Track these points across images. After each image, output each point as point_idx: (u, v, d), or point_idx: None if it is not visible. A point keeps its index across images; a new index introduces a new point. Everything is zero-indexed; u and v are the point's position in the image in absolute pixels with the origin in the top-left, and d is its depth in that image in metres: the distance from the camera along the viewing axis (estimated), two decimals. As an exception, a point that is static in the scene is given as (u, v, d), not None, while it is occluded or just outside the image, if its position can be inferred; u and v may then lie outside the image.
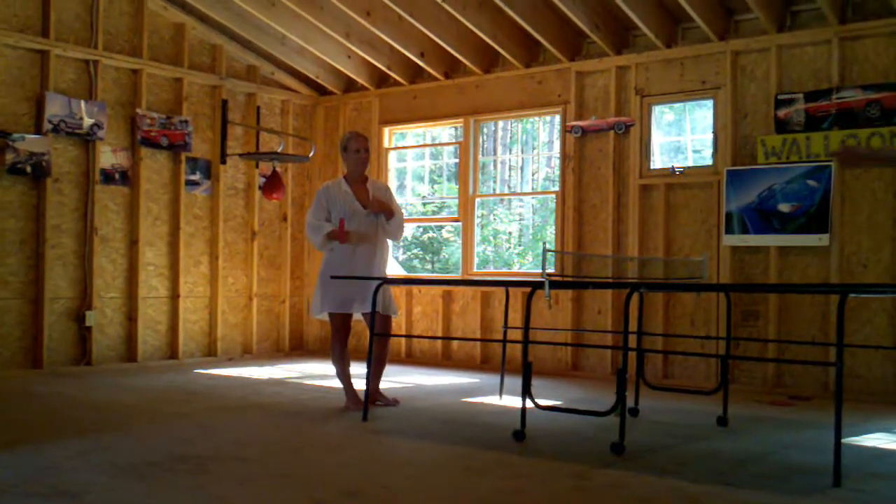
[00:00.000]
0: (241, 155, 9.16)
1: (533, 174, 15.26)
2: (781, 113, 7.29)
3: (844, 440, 4.14)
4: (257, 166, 9.51)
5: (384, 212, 6.17)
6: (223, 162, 9.20)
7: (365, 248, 6.18)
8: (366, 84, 9.82)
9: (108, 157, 8.36)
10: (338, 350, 6.22)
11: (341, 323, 6.21)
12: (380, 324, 6.03)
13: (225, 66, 9.31)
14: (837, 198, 7.01)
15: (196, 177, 9.06)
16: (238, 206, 9.49)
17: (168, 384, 7.31)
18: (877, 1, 6.97)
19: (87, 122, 8.12)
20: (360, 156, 6.28)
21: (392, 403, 6.25)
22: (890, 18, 6.86)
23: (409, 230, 9.99)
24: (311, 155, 9.31)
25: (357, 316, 6.30)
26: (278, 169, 9.23)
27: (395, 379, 7.64)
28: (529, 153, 15.02)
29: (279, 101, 9.93)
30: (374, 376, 6.07)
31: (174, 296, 8.87)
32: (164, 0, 8.78)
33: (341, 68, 9.60)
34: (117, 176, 8.42)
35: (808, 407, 6.50)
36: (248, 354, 9.48)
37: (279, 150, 9.26)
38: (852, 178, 6.99)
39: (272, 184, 9.07)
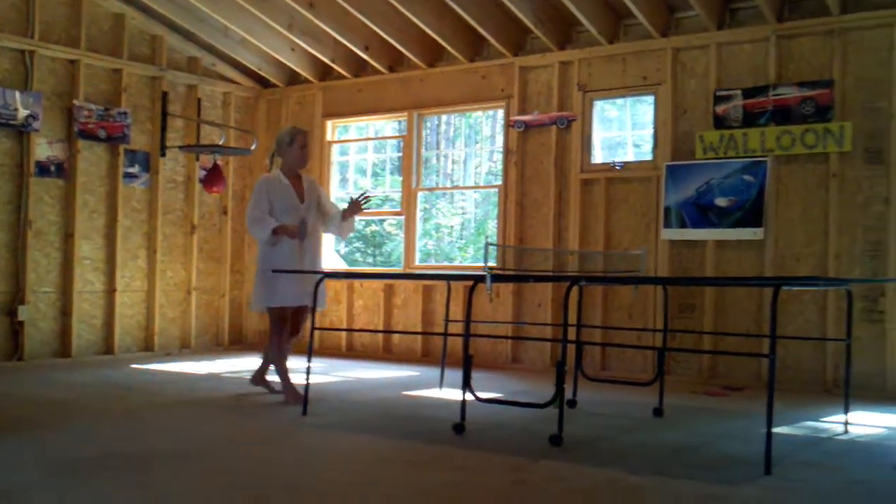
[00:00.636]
0: (181, 147, 9.03)
1: (476, 168, 15.31)
2: (720, 109, 7.41)
3: (776, 429, 4.23)
4: (198, 159, 9.38)
5: (353, 216, 6.37)
6: (163, 154, 9.07)
7: (310, 242, 6.22)
8: (309, 77, 9.75)
9: (44, 148, 8.18)
10: (280, 344, 6.20)
11: (287, 316, 6.20)
12: (306, 316, 6.14)
13: (165, 58, 9.17)
14: (772, 193, 7.16)
15: (135, 169, 8.92)
16: (177, 200, 9.36)
17: (104, 380, 7.18)
18: (812, 0, 7.12)
19: (22, 113, 7.94)
20: (304, 151, 6.33)
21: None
22: (825, 17, 7.02)
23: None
24: (252, 148, 9.21)
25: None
26: (219, 162, 9.13)
27: (335, 373, 7.62)
28: (472, 147, 15.06)
29: (221, 93, 9.81)
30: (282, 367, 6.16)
31: (110, 290, 8.72)
32: (101, -12, 8.62)
33: (284, 61, 9.52)
34: (53, 168, 8.25)
35: (741, 397, 6.64)
36: (186, 349, 9.37)
37: (220, 142, 9.14)
38: (787, 174, 7.14)
39: (213, 177, 8.95)
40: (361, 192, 6.46)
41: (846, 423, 5.25)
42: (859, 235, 6.84)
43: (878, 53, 6.85)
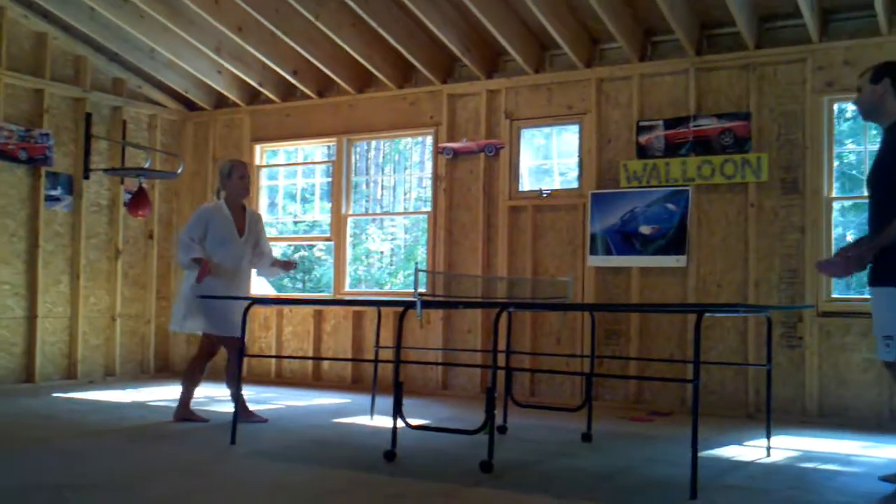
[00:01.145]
0: (105, 170, 8.86)
1: (405, 194, 15.35)
2: (643, 139, 7.60)
3: (701, 454, 4.34)
4: (122, 182, 9.23)
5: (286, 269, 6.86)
6: (86, 177, 8.90)
7: (242, 273, 6.48)
8: (237, 100, 9.69)
9: (-39, 170, 7.97)
10: (202, 368, 6.43)
11: (217, 344, 6.37)
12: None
13: (89, 79, 9.02)
14: (694, 221, 7.36)
15: (57, 192, 8.73)
16: (101, 223, 9.19)
17: (24, 409, 6.99)
18: (729, 35, 7.38)
19: (-62, 133, 7.72)
20: (244, 182, 6.52)
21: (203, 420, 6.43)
22: (741, 52, 7.28)
23: (279, 250, 9.87)
24: (179, 171, 9.10)
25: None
26: (144, 185, 8.97)
27: (264, 400, 7.54)
28: (402, 173, 15.12)
29: (146, 115, 9.69)
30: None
31: (31, 316, 8.49)
32: (24, 8, 8.43)
33: (211, 84, 9.45)
34: (-30, 190, 8.03)
35: (667, 422, 6.77)
36: (110, 377, 9.16)
37: (146, 165, 9.01)
38: (707, 203, 7.35)
39: (138, 200, 8.80)
40: (294, 261, 6.98)
41: (768, 447, 5.40)
42: (777, 263, 7.07)
43: (791, 87, 7.11)
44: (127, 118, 9.38)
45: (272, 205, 10.13)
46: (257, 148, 9.76)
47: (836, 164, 7.12)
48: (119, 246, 9.30)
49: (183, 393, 6.43)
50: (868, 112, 4.59)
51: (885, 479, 4.57)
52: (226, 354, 6.48)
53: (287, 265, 6.87)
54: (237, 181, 6.47)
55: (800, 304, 6.91)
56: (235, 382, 6.08)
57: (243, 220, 6.49)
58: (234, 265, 6.39)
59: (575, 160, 8.14)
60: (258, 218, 6.72)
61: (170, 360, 9.90)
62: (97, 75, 9.17)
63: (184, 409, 6.40)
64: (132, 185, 9.03)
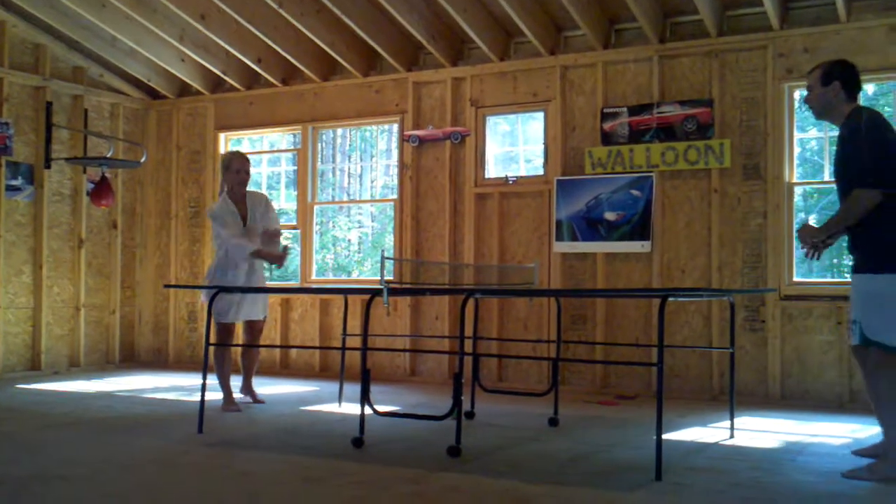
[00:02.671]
0: (67, 160, 8.77)
1: (372, 182, 15.33)
2: (607, 126, 7.65)
3: (665, 436, 4.40)
4: (85, 171, 9.13)
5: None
6: (47, 167, 8.79)
7: (254, 261, 6.66)
8: (200, 89, 9.61)
9: (-81, 160, 7.84)
10: (226, 354, 6.64)
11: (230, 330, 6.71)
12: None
13: (49, 67, 8.90)
14: (658, 207, 7.43)
15: (17, 182, 8.62)
16: (64, 213, 9.08)
17: (-13, 401, 6.91)
18: (692, 23, 7.44)
19: None
20: (240, 176, 6.67)
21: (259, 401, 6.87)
22: (704, 39, 7.34)
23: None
24: (142, 160, 9.02)
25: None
26: (107, 174, 8.89)
27: (232, 387, 7.51)
28: (368, 161, 15.09)
29: (108, 104, 9.58)
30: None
31: (-7, 307, 8.40)
32: (-19, -5, 8.31)
33: (175, 72, 9.36)
34: (-71, 181, 7.90)
35: (633, 405, 6.85)
36: (75, 367, 9.08)
37: (108, 154, 8.91)
38: (671, 189, 7.42)
39: (101, 190, 8.72)
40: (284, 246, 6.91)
41: (732, 429, 5.48)
42: (740, 248, 7.16)
43: (753, 74, 7.19)
44: (88, 107, 9.27)
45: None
46: (221, 136, 9.70)
47: (797, 149, 7.22)
48: (82, 236, 9.20)
49: (225, 385, 6.59)
50: (820, 114, 4.60)
51: (858, 453, 4.67)
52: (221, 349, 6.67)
53: (278, 258, 6.83)
54: (234, 174, 6.66)
55: (762, 288, 7.01)
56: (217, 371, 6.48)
57: (245, 207, 6.67)
58: (243, 254, 6.54)
59: (540, 147, 8.17)
60: (260, 198, 6.86)
61: (135, 350, 9.83)
62: (57, 64, 9.05)
63: (230, 401, 6.53)
64: (95, 175, 8.94)
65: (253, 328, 6.87)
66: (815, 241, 4.51)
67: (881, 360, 4.21)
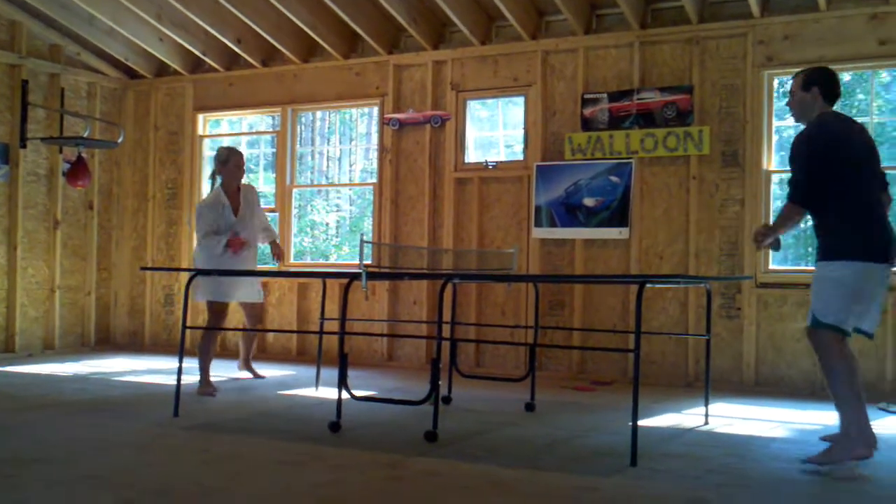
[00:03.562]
0: (42, 139, 8.66)
1: (351, 165, 15.27)
2: (587, 111, 7.65)
3: (641, 422, 4.42)
4: (61, 151, 9.03)
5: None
6: (23, 146, 8.69)
7: (248, 250, 6.85)
8: (179, 69, 9.52)
9: None
10: (214, 337, 6.84)
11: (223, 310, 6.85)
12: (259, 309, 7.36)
13: (25, 45, 8.78)
14: (637, 193, 7.44)
15: (-8, 161, 8.52)
16: (39, 193, 8.99)
17: (-40, 383, 6.85)
18: (673, 9, 7.44)
19: None
20: (240, 172, 6.87)
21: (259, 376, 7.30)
22: (685, 26, 7.35)
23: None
24: (119, 141, 8.93)
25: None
26: (84, 154, 8.81)
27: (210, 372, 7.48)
28: (348, 144, 15.02)
29: (85, 83, 9.47)
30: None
31: (-33, 288, 8.31)
32: (-45, -29, 8.18)
33: (153, 51, 9.26)
34: None
35: (609, 391, 6.89)
36: (49, 350, 9.01)
37: (85, 134, 8.81)
38: (650, 175, 7.44)
39: (77, 170, 8.63)
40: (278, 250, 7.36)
41: (706, 415, 5.53)
42: (717, 235, 7.20)
43: (732, 62, 7.21)
44: (65, 86, 9.16)
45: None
46: (200, 117, 9.61)
47: (775, 137, 7.25)
48: (58, 216, 9.11)
49: (205, 368, 6.64)
50: (799, 117, 4.73)
51: (826, 438, 4.71)
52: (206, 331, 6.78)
53: (279, 255, 7.37)
54: (233, 169, 6.81)
55: (739, 275, 7.05)
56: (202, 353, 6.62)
57: (238, 199, 6.83)
58: (217, 249, 6.65)
59: (520, 132, 8.16)
60: (251, 191, 7.04)
61: (111, 332, 9.77)
62: (34, 41, 8.93)
63: (209, 384, 6.58)
64: (71, 155, 8.85)
65: (251, 312, 7.13)
66: (769, 241, 4.67)
67: (829, 341, 4.31)
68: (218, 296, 6.67)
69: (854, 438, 4.20)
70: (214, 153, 7.08)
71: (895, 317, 6.58)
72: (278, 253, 7.32)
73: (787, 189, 4.58)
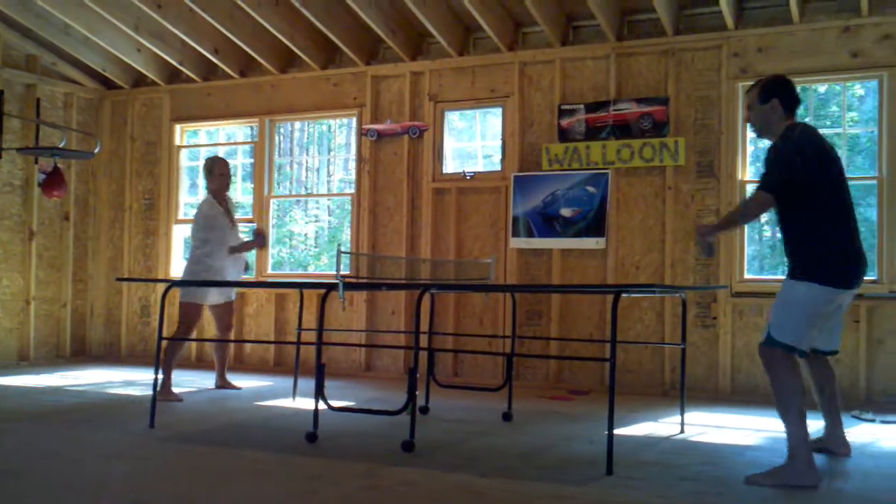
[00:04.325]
0: (18, 150, 8.59)
1: (329, 176, 15.26)
2: (564, 122, 7.70)
3: (617, 431, 4.44)
4: (36, 162, 8.97)
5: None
6: (-2, 156, 8.63)
7: (233, 259, 7.13)
8: (156, 79, 9.50)
9: None
10: (180, 344, 6.95)
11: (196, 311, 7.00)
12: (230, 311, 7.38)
13: (1, 55, 8.74)
14: (613, 204, 7.49)
15: (-34, 172, 8.45)
16: (15, 204, 8.93)
17: (-67, 395, 6.78)
18: (649, 21, 7.51)
19: None
20: (223, 179, 7.13)
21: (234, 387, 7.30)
22: (660, 38, 7.42)
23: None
24: (96, 151, 8.89)
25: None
26: (60, 165, 8.76)
27: (184, 383, 7.45)
28: (326, 155, 15.02)
29: (62, 93, 9.43)
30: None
31: (-60, 299, 8.23)
32: (-71, -20, 8.12)
33: (130, 62, 9.24)
34: None
35: (586, 401, 6.91)
36: (24, 361, 8.94)
37: (61, 145, 8.76)
38: (626, 186, 7.49)
39: (53, 181, 8.57)
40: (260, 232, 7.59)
41: (682, 424, 5.56)
42: (692, 245, 7.25)
43: (707, 73, 7.29)
44: (41, 96, 9.12)
45: (193, 186, 9.98)
46: (177, 128, 9.59)
47: (750, 148, 7.32)
48: (33, 227, 9.06)
49: (169, 373, 6.73)
50: (760, 131, 4.59)
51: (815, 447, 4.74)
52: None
53: (253, 244, 7.45)
54: (218, 178, 7.10)
55: (714, 284, 7.10)
56: (168, 358, 6.69)
57: (227, 209, 7.14)
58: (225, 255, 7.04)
59: (497, 143, 8.20)
60: (230, 198, 7.35)
61: (87, 343, 9.70)
62: (9, 51, 8.89)
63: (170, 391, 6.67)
64: (47, 165, 8.79)
65: (221, 316, 7.21)
66: (710, 239, 4.66)
67: (779, 359, 4.27)
68: (198, 297, 6.90)
69: (802, 464, 4.10)
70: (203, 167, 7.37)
71: (868, 326, 6.65)
72: (261, 239, 7.52)
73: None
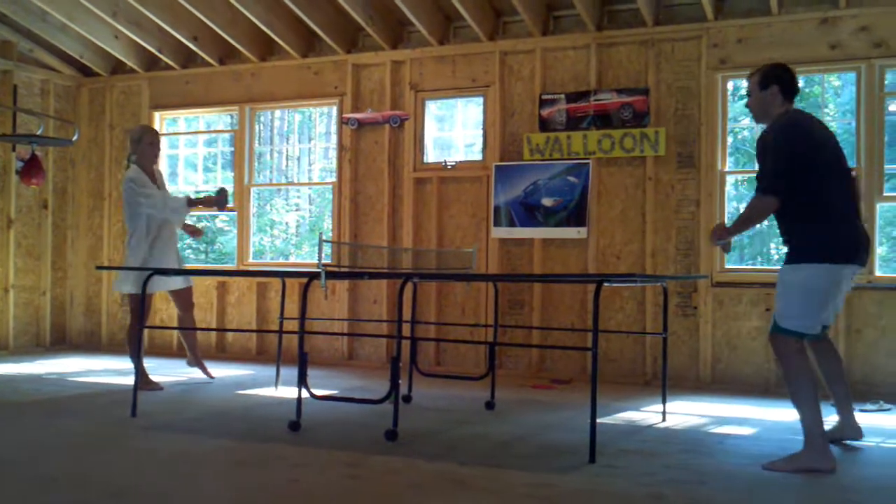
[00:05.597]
0: (-6, 137, 8.52)
1: (310, 165, 15.21)
2: (545, 112, 7.71)
3: (599, 420, 4.48)
4: (14, 149, 8.89)
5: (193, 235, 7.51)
6: (-26, 144, 8.54)
7: (168, 229, 6.83)
8: (135, 66, 9.42)
9: None
10: (140, 333, 6.28)
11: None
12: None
13: (-24, 41, 8.64)
14: (594, 194, 7.52)
15: (-58, 160, 8.36)
16: (-8, 192, 8.85)
17: (-90, 385, 6.72)
18: (629, 11, 7.53)
19: None
20: (153, 149, 6.81)
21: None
22: (640, 28, 7.44)
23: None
24: (74, 139, 8.80)
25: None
26: (38, 153, 8.67)
27: (166, 372, 7.43)
28: (307, 143, 14.96)
29: (39, 80, 9.34)
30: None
31: (-83, 289, 8.15)
32: None
33: (108, 49, 9.16)
34: None
35: (568, 390, 6.95)
36: (3, 350, 8.87)
37: (39, 132, 8.67)
38: (607, 175, 7.52)
39: (31, 168, 8.48)
40: (202, 231, 7.56)
41: (664, 412, 5.60)
42: (673, 235, 7.30)
43: (687, 64, 7.31)
44: (18, 83, 9.02)
45: (173, 174, 9.91)
46: (157, 115, 9.53)
47: (730, 139, 7.37)
48: (11, 215, 8.98)
49: (140, 364, 6.34)
50: (758, 117, 4.67)
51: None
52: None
53: (195, 232, 7.44)
54: (147, 147, 6.76)
55: (695, 274, 7.15)
56: (134, 350, 6.37)
57: (155, 181, 6.81)
58: (159, 224, 6.72)
59: (478, 132, 8.20)
60: (159, 171, 7.08)
61: (67, 332, 9.64)
62: (-15, 38, 8.79)
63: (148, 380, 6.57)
64: (24, 153, 8.70)
65: (181, 298, 6.99)
66: (726, 241, 4.73)
67: (790, 347, 4.32)
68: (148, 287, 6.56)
69: (819, 451, 4.18)
70: (130, 136, 7.04)
71: (847, 316, 6.71)
72: (193, 231, 7.37)
73: (744, 188, 4.56)
